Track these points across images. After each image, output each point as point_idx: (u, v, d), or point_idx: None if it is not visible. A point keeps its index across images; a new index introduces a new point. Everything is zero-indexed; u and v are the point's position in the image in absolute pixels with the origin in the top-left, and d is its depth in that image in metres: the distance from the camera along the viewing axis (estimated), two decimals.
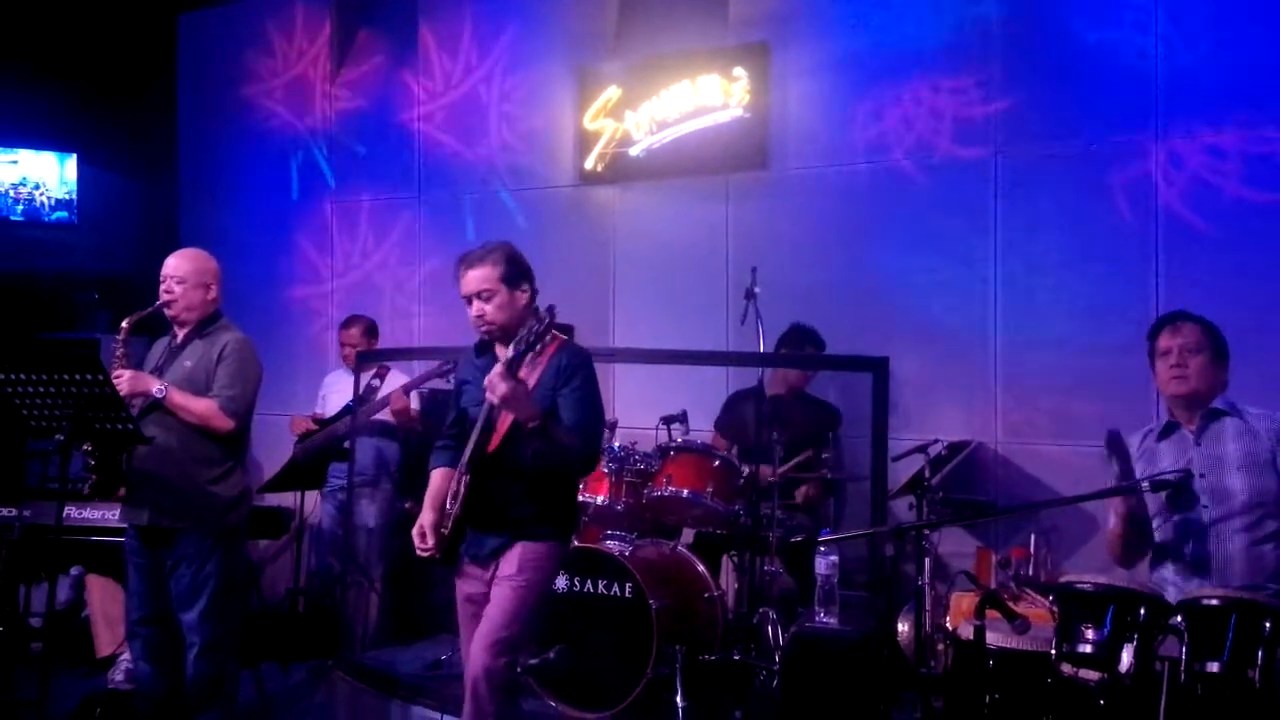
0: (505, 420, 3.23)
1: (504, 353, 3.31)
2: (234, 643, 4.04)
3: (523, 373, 3.21)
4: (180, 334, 4.06)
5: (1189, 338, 3.33)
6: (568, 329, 5.73)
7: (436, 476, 3.50)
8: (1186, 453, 3.32)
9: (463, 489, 3.27)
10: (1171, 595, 3.04)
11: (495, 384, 3.10)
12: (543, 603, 3.41)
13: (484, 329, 3.39)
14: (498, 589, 3.32)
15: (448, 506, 3.37)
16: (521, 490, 3.32)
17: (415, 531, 3.40)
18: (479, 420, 3.27)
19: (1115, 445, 3.22)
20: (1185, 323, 3.38)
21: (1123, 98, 4.91)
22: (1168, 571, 3.29)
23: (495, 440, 3.25)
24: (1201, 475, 3.26)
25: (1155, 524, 3.33)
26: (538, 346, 3.18)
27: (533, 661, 4.02)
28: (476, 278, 3.35)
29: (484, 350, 3.49)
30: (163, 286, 4.00)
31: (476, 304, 3.36)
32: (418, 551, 3.40)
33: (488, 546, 3.37)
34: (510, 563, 3.32)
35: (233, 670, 4.08)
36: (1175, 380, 3.33)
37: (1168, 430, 3.39)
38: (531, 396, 3.21)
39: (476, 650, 3.27)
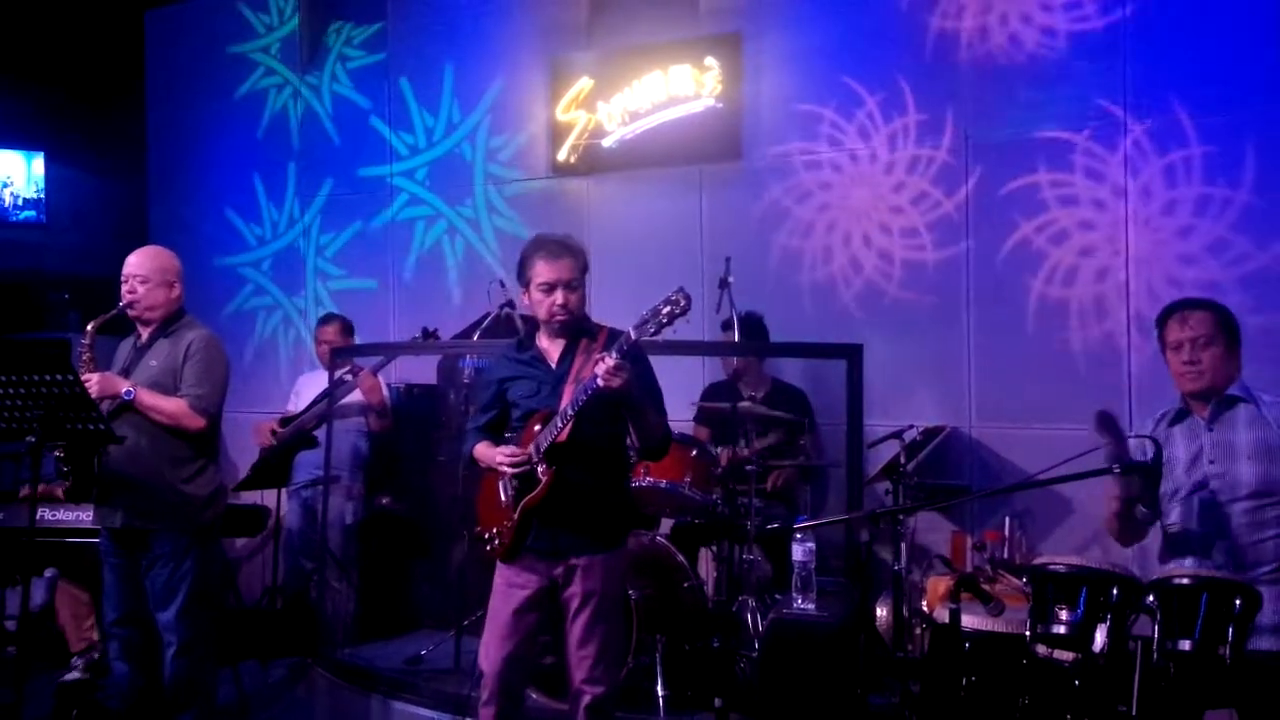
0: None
1: (547, 345, 3.39)
2: (212, 641, 4.02)
3: (577, 361, 3.28)
4: (145, 334, 4.02)
5: (1199, 329, 3.23)
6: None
7: (484, 445, 3.43)
8: (1198, 438, 3.27)
9: (546, 479, 3.25)
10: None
11: (618, 372, 3.04)
12: (623, 607, 3.52)
13: (562, 318, 3.33)
14: (588, 611, 3.29)
15: (503, 497, 3.36)
16: (591, 482, 3.31)
17: (506, 457, 3.27)
18: (563, 411, 3.21)
19: (1105, 424, 3.17)
20: (1194, 312, 3.27)
21: (1091, 80, 4.93)
22: (1175, 559, 3.25)
23: (565, 431, 3.22)
24: (1211, 461, 3.23)
25: (1165, 512, 3.30)
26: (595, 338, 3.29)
27: None
28: (570, 266, 3.31)
29: (526, 346, 3.46)
30: (125, 286, 3.97)
31: (562, 292, 3.30)
32: (509, 466, 3.27)
33: (561, 543, 3.31)
34: (593, 578, 3.31)
35: (211, 669, 4.06)
36: (1190, 377, 3.26)
37: (1180, 416, 3.34)
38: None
39: (594, 673, 3.28)
